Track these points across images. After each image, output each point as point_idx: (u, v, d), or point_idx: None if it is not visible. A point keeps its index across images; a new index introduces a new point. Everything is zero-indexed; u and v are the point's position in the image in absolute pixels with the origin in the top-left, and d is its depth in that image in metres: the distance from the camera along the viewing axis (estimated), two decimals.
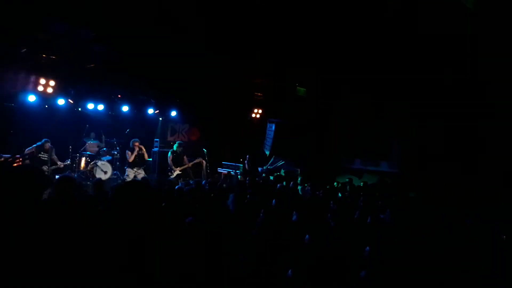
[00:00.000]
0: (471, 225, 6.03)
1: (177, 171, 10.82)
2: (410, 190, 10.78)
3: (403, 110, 12.53)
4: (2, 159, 7.75)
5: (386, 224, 6.07)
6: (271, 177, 11.08)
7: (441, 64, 9.69)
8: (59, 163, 9.98)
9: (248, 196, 6.55)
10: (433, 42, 8.70)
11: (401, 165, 13.28)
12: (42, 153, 9.66)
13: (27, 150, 9.37)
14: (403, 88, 11.72)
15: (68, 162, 10.43)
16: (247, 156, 12.51)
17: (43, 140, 9.67)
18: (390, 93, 12.26)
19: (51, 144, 9.77)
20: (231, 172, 12.26)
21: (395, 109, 12.69)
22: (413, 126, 12.70)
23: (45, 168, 9.45)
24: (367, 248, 4.24)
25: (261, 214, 5.25)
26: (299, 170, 13.11)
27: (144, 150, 10.39)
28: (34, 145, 9.56)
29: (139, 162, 10.30)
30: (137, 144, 10.24)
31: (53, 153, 9.89)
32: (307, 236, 4.53)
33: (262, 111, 14.69)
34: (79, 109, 11.47)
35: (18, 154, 8.36)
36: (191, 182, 7.70)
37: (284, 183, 9.32)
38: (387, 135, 13.68)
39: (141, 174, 10.20)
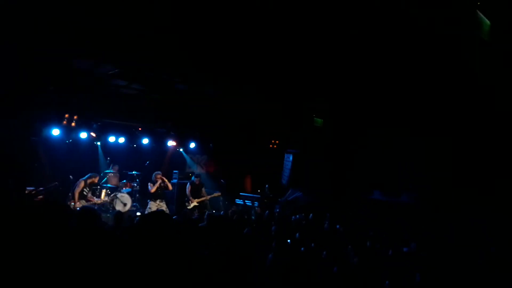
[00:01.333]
0: (496, 253, 5.84)
1: (194, 203, 10.86)
2: (428, 219, 10.54)
3: (418, 141, 12.42)
4: (27, 191, 7.97)
5: (408, 256, 5.93)
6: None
7: (459, 95, 9.68)
8: (94, 199, 10.01)
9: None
10: (449, 74, 8.74)
11: (418, 196, 13.03)
12: (85, 189, 9.68)
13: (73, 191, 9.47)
14: (421, 118, 11.67)
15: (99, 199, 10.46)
16: (266, 186, 12.46)
17: (88, 175, 9.74)
18: (408, 124, 12.20)
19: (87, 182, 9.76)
20: (248, 203, 12.21)
21: (411, 139, 12.58)
22: (428, 157, 12.55)
23: (82, 202, 9.49)
24: (387, 282, 4.14)
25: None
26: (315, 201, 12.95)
27: (167, 181, 10.56)
28: (82, 179, 9.60)
29: (161, 194, 10.43)
30: (159, 176, 10.42)
31: (91, 192, 9.93)
32: (335, 268, 4.46)
33: (279, 142, 14.76)
34: (98, 143, 11.75)
35: (41, 187, 8.58)
36: (207, 213, 7.73)
37: (303, 215, 9.23)
38: (406, 166, 13.50)
39: (163, 207, 10.28)
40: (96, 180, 9.93)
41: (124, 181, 11.65)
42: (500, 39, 6.99)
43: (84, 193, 9.69)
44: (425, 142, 12.38)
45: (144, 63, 8.21)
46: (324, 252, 5.39)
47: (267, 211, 9.47)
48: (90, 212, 3.75)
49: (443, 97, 10.07)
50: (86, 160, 11.60)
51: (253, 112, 12.45)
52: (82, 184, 9.58)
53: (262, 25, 7.04)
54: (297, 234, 6.45)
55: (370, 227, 8.48)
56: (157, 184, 10.30)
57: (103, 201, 10.46)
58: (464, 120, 10.85)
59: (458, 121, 10.95)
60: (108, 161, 11.92)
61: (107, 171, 11.51)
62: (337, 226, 7.93)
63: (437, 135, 11.90)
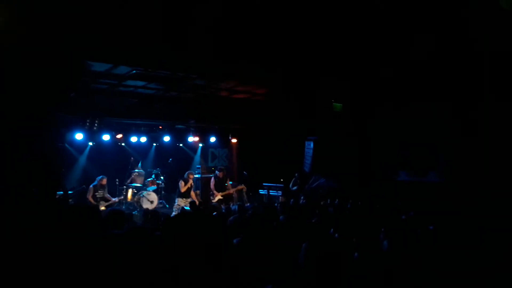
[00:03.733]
0: None
1: (218, 196, 10.88)
2: (460, 199, 10.29)
3: (447, 113, 12.08)
4: (57, 196, 8.19)
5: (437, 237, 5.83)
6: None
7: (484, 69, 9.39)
8: (112, 199, 10.35)
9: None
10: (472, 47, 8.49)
11: (448, 173, 12.75)
12: (98, 191, 10.01)
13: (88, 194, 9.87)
14: (446, 92, 11.35)
15: (122, 197, 10.87)
16: (296, 174, 12.40)
17: (98, 178, 10.08)
18: (431, 99, 11.93)
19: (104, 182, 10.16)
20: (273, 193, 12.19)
21: (438, 113, 12.25)
22: (459, 131, 12.20)
23: (102, 203, 9.92)
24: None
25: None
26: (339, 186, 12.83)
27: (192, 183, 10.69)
28: (91, 185, 9.99)
29: (188, 193, 10.51)
30: (192, 176, 10.52)
31: (106, 191, 10.28)
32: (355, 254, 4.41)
33: (298, 129, 14.61)
34: (122, 144, 11.95)
35: (70, 191, 8.74)
36: (233, 207, 7.75)
37: (329, 200, 9.20)
38: (432, 143, 13.21)
39: None
40: (104, 182, 10.13)
41: (149, 179, 11.82)
42: None
43: (98, 195, 9.94)
44: (449, 120, 12.08)
45: (160, 61, 8.24)
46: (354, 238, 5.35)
47: (292, 200, 9.46)
48: (118, 214, 3.82)
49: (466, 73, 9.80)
50: (110, 161, 11.82)
51: (271, 102, 12.41)
52: (92, 189, 9.89)
53: (277, 6, 6.94)
54: (313, 219, 6.38)
55: (398, 209, 8.36)
56: (188, 184, 10.37)
57: (130, 200, 10.66)
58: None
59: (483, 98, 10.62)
60: (132, 161, 12.11)
61: (134, 170, 11.72)
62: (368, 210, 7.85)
63: (461, 113, 11.59)
